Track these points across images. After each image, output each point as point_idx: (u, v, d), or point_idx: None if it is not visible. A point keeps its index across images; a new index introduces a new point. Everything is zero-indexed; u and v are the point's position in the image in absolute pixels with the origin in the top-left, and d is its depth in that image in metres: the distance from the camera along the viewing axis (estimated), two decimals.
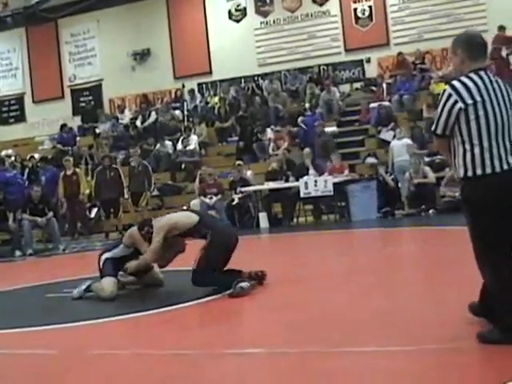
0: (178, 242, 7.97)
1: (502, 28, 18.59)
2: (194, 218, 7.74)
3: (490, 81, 4.65)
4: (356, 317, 5.98)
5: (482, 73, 4.66)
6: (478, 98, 4.55)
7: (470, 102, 4.55)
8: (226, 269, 7.68)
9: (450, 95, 4.60)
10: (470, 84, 4.60)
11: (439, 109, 4.68)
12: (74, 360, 5.52)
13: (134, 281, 8.58)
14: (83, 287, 8.30)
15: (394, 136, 17.19)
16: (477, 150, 4.55)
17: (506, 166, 4.53)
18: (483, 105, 4.55)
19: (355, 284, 7.61)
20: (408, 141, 16.33)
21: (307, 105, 20.06)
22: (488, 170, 4.54)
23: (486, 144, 4.54)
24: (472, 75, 4.64)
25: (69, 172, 17.98)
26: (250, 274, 7.65)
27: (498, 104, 4.59)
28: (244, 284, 7.20)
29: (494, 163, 4.53)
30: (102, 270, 8.24)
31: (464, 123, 4.58)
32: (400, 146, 16.23)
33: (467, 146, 4.60)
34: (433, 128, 4.76)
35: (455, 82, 4.65)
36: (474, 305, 5.09)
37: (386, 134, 17.95)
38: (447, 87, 4.67)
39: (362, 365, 4.64)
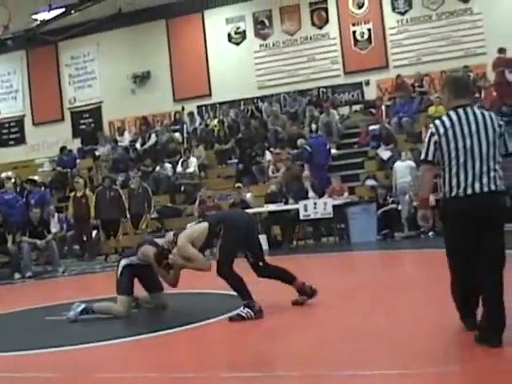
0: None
1: (502, 50, 18.48)
2: (204, 225, 7.65)
3: (466, 115, 5.33)
4: (354, 339, 5.98)
5: (460, 110, 5.36)
6: (450, 131, 5.28)
7: (441, 132, 5.31)
8: (280, 267, 7.73)
9: (430, 131, 5.40)
10: (446, 120, 5.36)
11: (426, 140, 5.46)
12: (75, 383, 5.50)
13: (147, 299, 8.58)
14: (78, 310, 8.28)
15: (392, 156, 17.25)
16: (447, 176, 5.32)
17: (470, 191, 5.22)
18: (454, 137, 5.27)
19: (353, 306, 7.63)
20: (412, 163, 16.36)
21: (307, 128, 20.06)
22: (453, 194, 5.30)
23: (454, 170, 5.28)
24: (450, 112, 5.40)
25: (79, 194, 17.93)
26: (304, 284, 7.66)
27: (470, 136, 5.25)
28: (245, 312, 7.11)
29: (459, 188, 5.25)
30: (119, 283, 8.25)
31: (440, 152, 5.34)
32: (403, 168, 16.25)
33: (441, 172, 5.39)
34: (422, 157, 5.50)
35: (436, 121, 5.45)
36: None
37: (384, 153, 18.02)
38: (430, 125, 5.51)
39: None
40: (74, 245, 18.25)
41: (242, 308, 7.15)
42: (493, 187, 5.21)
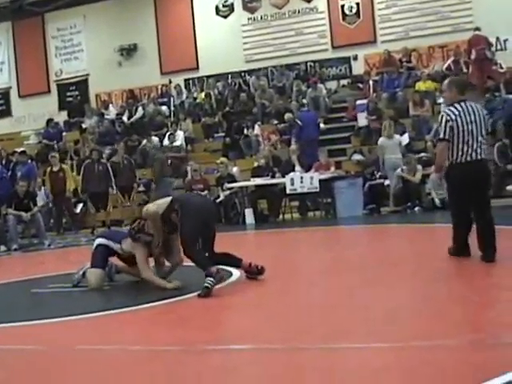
0: (174, 252, 8.04)
1: (477, 29, 18.73)
2: (168, 198, 7.95)
3: (467, 107, 7.62)
4: (342, 313, 6.02)
5: (462, 103, 7.65)
6: (458, 118, 7.53)
7: (453, 118, 7.53)
8: (226, 252, 7.82)
9: (445, 117, 7.57)
10: (454, 110, 7.60)
11: (442, 123, 7.58)
12: (61, 355, 5.51)
13: (128, 269, 8.60)
14: (81, 272, 8.40)
15: (367, 126, 17.34)
16: (455, 148, 7.56)
17: (469, 159, 7.55)
18: (461, 123, 7.53)
19: (341, 280, 7.65)
20: (400, 138, 16.38)
21: (295, 102, 19.99)
22: (458, 161, 7.59)
23: (460, 146, 7.55)
24: (456, 104, 7.65)
25: (55, 168, 17.95)
26: (250, 265, 7.78)
27: (471, 122, 7.55)
28: (208, 282, 7.07)
29: (462, 157, 7.57)
30: (93, 257, 8.32)
31: (451, 133, 7.53)
32: (391, 144, 16.24)
33: (450, 145, 7.59)
34: (440, 136, 7.65)
35: (447, 110, 7.65)
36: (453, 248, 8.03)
37: (363, 120, 18.16)
38: (443, 113, 7.69)
39: (348, 361, 4.66)
40: (60, 218, 18.23)
41: (205, 279, 7.16)
42: (481, 156, 7.61)
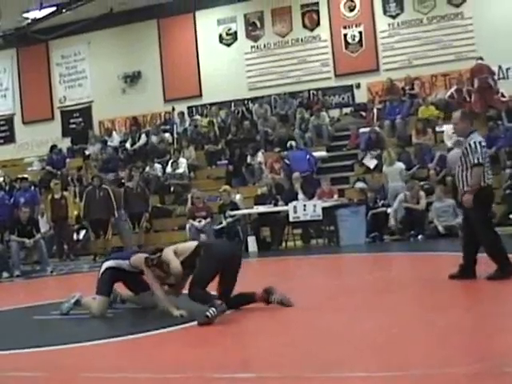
0: (178, 285, 8.00)
1: (481, 58, 18.90)
2: (194, 243, 7.93)
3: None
4: (344, 341, 5.99)
5: (476, 133, 8.65)
6: (485, 145, 8.58)
7: (484, 145, 8.51)
8: (238, 293, 7.72)
9: (482, 144, 8.40)
10: (482, 138, 8.62)
11: (478, 150, 8.28)
12: (65, 383, 5.48)
13: (133, 298, 8.57)
14: (72, 301, 8.30)
15: (377, 165, 17.30)
16: (485, 172, 8.36)
17: (491, 181, 8.48)
18: (485, 148, 8.52)
19: (343, 308, 7.63)
20: (401, 165, 16.45)
21: (298, 130, 20.03)
22: (486, 183, 8.39)
23: (488, 170, 8.46)
24: (477, 134, 8.61)
25: (57, 196, 18.01)
26: (262, 294, 7.70)
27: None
28: (211, 311, 7.04)
29: (489, 179, 8.45)
30: (99, 283, 8.25)
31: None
32: (393, 172, 16.31)
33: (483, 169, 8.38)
34: (476, 161, 8.25)
35: (480, 138, 8.54)
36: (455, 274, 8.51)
37: (370, 161, 18.04)
38: (477, 141, 8.39)
39: None
40: (61, 245, 18.22)
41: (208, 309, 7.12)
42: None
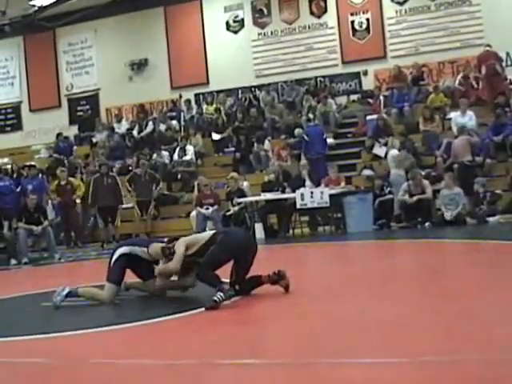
0: (190, 276, 8.02)
1: (489, 46, 18.78)
2: (211, 232, 8.05)
3: None
4: (353, 328, 5.99)
5: None
6: None
7: None
8: (248, 278, 7.80)
9: None
10: None
11: None
12: (72, 369, 5.49)
13: (138, 285, 8.59)
14: (64, 293, 8.20)
15: (387, 153, 17.28)
16: None
17: None
18: None
19: (352, 295, 7.63)
20: (395, 152, 16.44)
21: (305, 117, 20.00)
22: None
23: None
24: None
25: (63, 182, 18.02)
26: (269, 276, 7.75)
27: None
28: (218, 296, 7.10)
29: None
30: (112, 270, 8.21)
31: None
32: (389, 159, 16.40)
33: None
34: None
35: None
36: None
37: (379, 150, 17.98)
38: None
39: (356, 376, 4.63)
40: (69, 232, 18.23)
41: (216, 293, 7.18)
42: None
